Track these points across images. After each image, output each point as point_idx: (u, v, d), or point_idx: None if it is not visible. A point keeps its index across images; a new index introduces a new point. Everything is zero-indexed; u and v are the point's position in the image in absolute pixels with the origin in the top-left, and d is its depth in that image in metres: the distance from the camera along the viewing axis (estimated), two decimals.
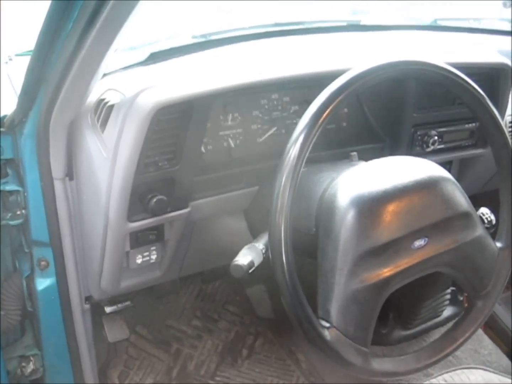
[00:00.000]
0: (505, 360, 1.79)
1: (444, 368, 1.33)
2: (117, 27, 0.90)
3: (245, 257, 1.00)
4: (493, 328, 1.92)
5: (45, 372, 1.41)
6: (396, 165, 1.04)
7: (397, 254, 0.96)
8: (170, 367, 1.81)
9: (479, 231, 1.06)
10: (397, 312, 1.54)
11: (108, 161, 1.08)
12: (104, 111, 1.12)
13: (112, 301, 1.46)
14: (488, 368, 1.29)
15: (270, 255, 0.91)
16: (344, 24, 1.73)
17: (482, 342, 1.85)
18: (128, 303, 1.46)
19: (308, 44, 1.51)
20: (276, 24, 1.60)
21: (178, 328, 1.92)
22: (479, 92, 1.05)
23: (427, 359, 1.06)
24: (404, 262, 0.96)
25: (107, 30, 0.90)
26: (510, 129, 1.66)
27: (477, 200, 1.40)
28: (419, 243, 0.98)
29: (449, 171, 1.57)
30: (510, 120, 1.64)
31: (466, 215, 1.03)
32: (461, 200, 1.03)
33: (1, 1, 1.34)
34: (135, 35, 1.38)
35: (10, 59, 1.56)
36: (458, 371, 1.28)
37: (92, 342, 1.43)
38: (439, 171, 1.04)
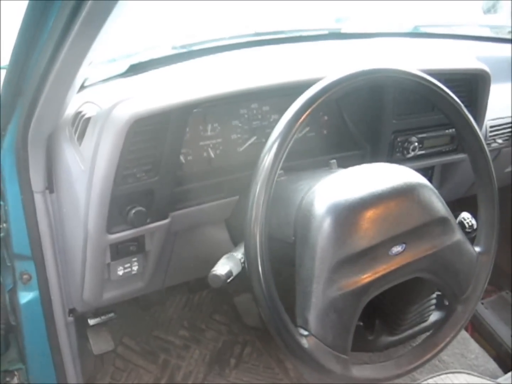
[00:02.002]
0: (492, 364, 1.80)
1: (430, 372, 1.34)
2: (91, 39, 0.90)
3: (223, 267, 1.00)
4: (480, 332, 1.92)
5: None
6: (373, 172, 1.05)
7: (375, 260, 0.96)
8: (158, 378, 1.80)
9: (457, 236, 1.06)
10: (383, 318, 1.54)
11: (86, 174, 1.08)
12: (81, 124, 1.12)
13: (95, 313, 1.46)
14: (472, 372, 1.30)
15: (246, 264, 0.91)
16: (325, 32, 1.74)
17: (469, 346, 1.85)
18: (111, 315, 1.45)
19: (288, 53, 1.52)
20: (257, 34, 1.61)
21: (165, 339, 1.91)
22: (453, 99, 1.06)
23: (407, 365, 1.06)
24: (382, 269, 0.96)
25: (81, 42, 0.90)
26: (490, 134, 1.67)
27: (460, 205, 1.41)
28: (396, 249, 0.98)
29: (431, 176, 1.61)
30: (490, 124, 1.66)
31: (443, 221, 1.04)
32: (438, 205, 1.03)
33: None
34: (114, 47, 1.38)
35: None
36: (443, 376, 1.28)
37: (77, 355, 1.43)
38: (416, 178, 1.04)
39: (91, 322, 1.44)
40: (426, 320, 1.59)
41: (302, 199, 1.04)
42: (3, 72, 1.48)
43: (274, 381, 1.80)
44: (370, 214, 0.96)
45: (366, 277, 0.95)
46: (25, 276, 1.27)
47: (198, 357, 1.87)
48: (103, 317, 1.45)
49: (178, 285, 1.58)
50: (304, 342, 0.92)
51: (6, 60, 1.50)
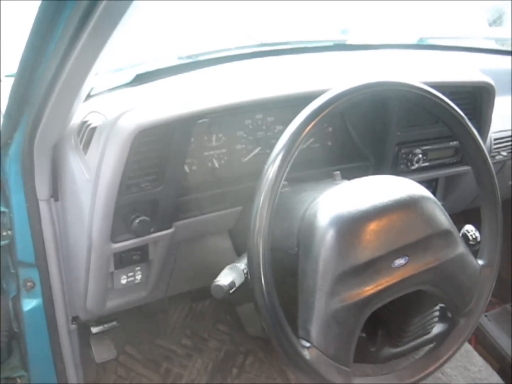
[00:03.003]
0: (495, 377, 1.79)
1: None
2: (98, 49, 0.90)
3: (226, 278, 1.01)
4: (483, 345, 1.91)
5: None
6: (376, 184, 1.05)
7: (378, 273, 0.96)
8: None
9: (460, 249, 1.06)
10: (386, 329, 1.54)
11: (91, 183, 1.09)
12: (86, 133, 1.13)
13: (98, 321, 1.46)
14: None
15: (248, 275, 0.91)
16: (331, 43, 1.75)
17: (472, 359, 1.84)
18: (114, 323, 1.45)
19: (293, 64, 1.53)
20: (262, 44, 1.62)
21: (167, 348, 1.91)
22: (457, 112, 1.06)
23: (409, 378, 1.05)
24: (384, 281, 0.96)
25: (88, 53, 0.91)
26: (495, 146, 1.67)
27: (464, 217, 1.41)
28: (399, 262, 0.98)
29: (435, 188, 1.61)
30: (495, 137, 1.66)
31: (446, 233, 1.04)
32: (442, 218, 1.03)
33: None
34: (121, 57, 1.39)
35: (0, 81, 1.57)
36: None
37: (80, 363, 1.43)
38: (419, 190, 1.04)
39: (94, 330, 1.45)
40: (429, 332, 1.58)
41: (306, 210, 1.04)
42: (10, 80, 1.50)
43: None
44: (373, 226, 0.96)
45: (369, 290, 0.95)
46: (28, 283, 1.27)
47: (200, 366, 1.86)
48: (106, 326, 1.45)
49: (181, 294, 1.58)
50: (306, 354, 0.92)
51: (12, 68, 1.52)
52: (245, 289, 1.03)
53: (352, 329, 0.95)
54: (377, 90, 1.01)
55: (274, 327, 0.90)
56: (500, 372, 1.81)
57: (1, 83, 1.53)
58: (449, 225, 1.04)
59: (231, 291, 1.00)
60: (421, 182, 1.10)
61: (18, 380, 1.40)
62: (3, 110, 1.27)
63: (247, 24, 1.73)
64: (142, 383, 1.79)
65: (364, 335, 1.49)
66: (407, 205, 1.01)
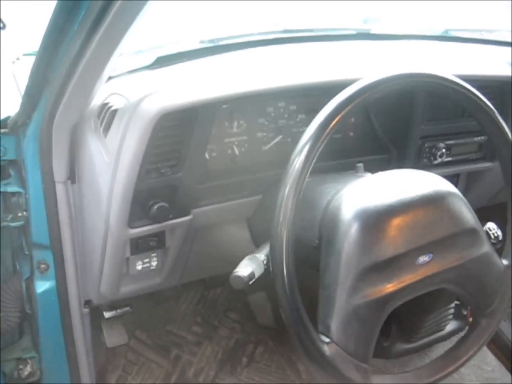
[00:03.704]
0: (508, 377, 1.77)
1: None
2: (123, 30, 0.89)
3: (246, 268, 0.99)
4: (497, 344, 1.89)
5: (42, 375, 1.40)
6: (402, 179, 1.03)
7: (401, 269, 0.94)
8: (169, 373, 1.79)
9: (485, 248, 1.04)
10: (399, 325, 1.52)
11: (110, 167, 1.07)
12: (107, 116, 1.11)
13: (111, 306, 1.45)
14: None
15: (271, 267, 0.90)
16: (354, 32, 1.71)
17: (486, 358, 1.82)
18: (127, 308, 1.44)
19: (316, 52, 1.50)
20: (285, 31, 1.59)
21: (178, 334, 1.90)
22: (488, 106, 1.04)
23: (428, 377, 1.04)
24: (408, 278, 0.94)
25: (113, 33, 0.89)
26: None
27: (484, 214, 1.39)
28: (423, 259, 0.96)
29: (457, 184, 1.58)
30: None
31: (472, 232, 1.01)
32: (468, 216, 1.01)
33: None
34: (142, 39, 1.37)
35: (18, 59, 1.55)
36: None
37: (91, 346, 1.42)
38: (446, 186, 1.02)
39: (107, 315, 1.44)
40: (442, 329, 1.56)
41: (329, 202, 1.02)
42: (28, 59, 1.48)
43: (286, 382, 1.79)
44: (398, 221, 0.94)
45: (391, 286, 0.93)
46: (42, 266, 1.26)
47: (210, 354, 1.86)
48: (118, 311, 1.44)
49: (193, 281, 1.57)
50: (325, 349, 0.90)
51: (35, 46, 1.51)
52: (259, 278, 1.02)
53: (373, 326, 0.94)
54: (409, 82, 0.98)
55: (294, 321, 0.89)
56: None
57: (15, 63, 1.51)
58: (475, 223, 1.02)
59: (250, 282, 0.98)
60: (442, 177, 1.07)
61: (29, 361, 1.40)
62: (21, 89, 1.27)
63: (271, 10, 1.70)
64: (151, 369, 1.79)
65: None
66: (434, 201, 0.98)
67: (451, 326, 1.56)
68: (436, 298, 1.41)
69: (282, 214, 0.87)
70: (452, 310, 1.51)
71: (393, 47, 1.65)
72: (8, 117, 1.17)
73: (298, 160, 0.89)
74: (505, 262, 1.08)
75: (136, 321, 1.88)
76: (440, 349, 1.11)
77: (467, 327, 1.14)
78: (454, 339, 1.13)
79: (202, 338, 1.90)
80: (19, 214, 1.24)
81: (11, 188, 1.22)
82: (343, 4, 1.90)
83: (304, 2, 1.81)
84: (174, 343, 1.88)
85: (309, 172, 0.89)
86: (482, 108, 1.03)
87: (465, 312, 1.58)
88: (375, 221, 0.93)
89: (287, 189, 0.87)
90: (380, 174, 1.05)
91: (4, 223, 1.22)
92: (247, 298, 1.99)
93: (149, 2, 0.83)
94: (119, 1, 0.80)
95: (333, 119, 0.90)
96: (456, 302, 1.49)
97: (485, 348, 1.85)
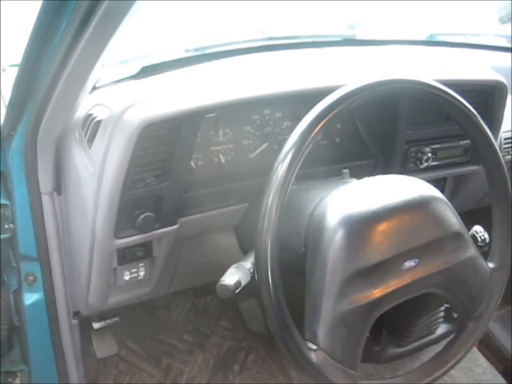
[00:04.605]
0: (499, 379, 1.77)
1: None
2: (105, 40, 0.88)
3: (232, 277, 0.99)
4: (488, 346, 1.89)
5: None
6: (387, 184, 1.03)
7: (387, 275, 0.94)
8: (161, 383, 1.78)
9: (471, 251, 1.04)
10: (390, 329, 1.53)
11: (95, 178, 1.07)
12: (91, 127, 1.11)
13: (100, 317, 1.45)
14: None
15: (256, 275, 0.89)
16: (339, 38, 1.72)
17: (477, 360, 1.82)
18: (116, 319, 1.44)
19: (302, 59, 1.50)
20: (270, 38, 1.59)
21: (169, 343, 1.89)
22: (470, 111, 1.04)
23: (417, 381, 1.04)
24: (394, 283, 0.94)
25: (95, 44, 0.89)
26: (506, 146, 1.65)
27: (471, 216, 1.39)
28: (409, 264, 0.96)
29: (443, 187, 1.59)
30: (505, 136, 1.64)
31: (457, 236, 1.02)
32: (453, 220, 1.01)
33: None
34: (127, 48, 1.37)
35: (3, 70, 1.54)
36: None
37: (80, 358, 1.41)
38: (431, 191, 1.02)
39: (96, 325, 1.43)
40: (433, 333, 1.57)
41: (314, 209, 1.02)
42: (14, 70, 1.48)
43: None
44: (383, 227, 0.94)
45: (378, 292, 0.93)
46: (30, 278, 1.26)
47: (201, 362, 1.85)
48: (107, 321, 1.44)
49: (183, 290, 1.57)
50: (313, 357, 0.90)
51: (15, 58, 1.50)
52: (248, 285, 1.02)
53: (360, 331, 0.94)
54: (390, 88, 0.98)
55: (281, 329, 0.89)
56: (504, 374, 1.80)
57: (4, 73, 1.51)
58: (460, 227, 1.02)
59: (236, 291, 0.98)
60: (429, 181, 1.08)
61: (18, 374, 1.39)
62: (6, 101, 1.26)
63: (256, 17, 1.71)
64: (142, 379, 1.78)
65: (368, 334, 1.48)
66: (418, 206, 0.99)
67: (441, 329, 1.57)
68: (425, 302, 1.42)
69: (266, 222, 0.86)
70: (442, 313, 1.52)
71: (379, 52, 1.66)
72: None
73: (281, 168, 0.89)
74: (491, 265, 1.08)
75: (126, 331, 1.87)
76: (431, 353, 1.11)
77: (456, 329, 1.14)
78: (445, 342, 1.13)
79: (194, 347, 1.89)
80: (6, 226, 1.23)
81: None
82: (328, 9, 1.91)
83: (289, 8, 1.82)
84: (165, 352, 1.87)
85: (292, 179, 0.89)
86: (464, 113, 1.04)
87: (455, 315, 1.59)
88: (360, 227, 0.93)
89: (271, 197, 0.87)
90: (365, 180, 1.05)
91: None
92: (238, 305, 1.98)
93: (131, 12, 0.83)
94: (101, 12, 0.80)
95: (316, 126, 0.90)
96: (446, 305, 1.50)
97: (475, 350, 1.86)
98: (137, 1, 0.80)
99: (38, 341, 1.33)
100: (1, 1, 1.19)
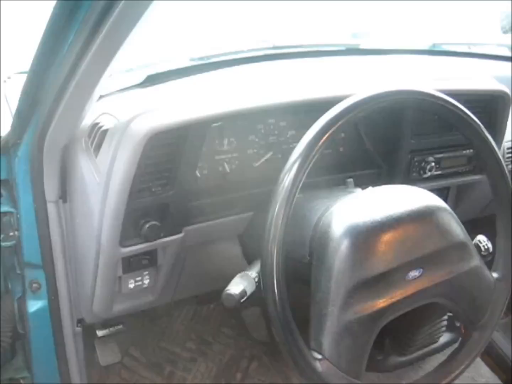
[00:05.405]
0: None
1: None
2: (114, 50, 0.89)
3: (237, 286, 0.99)
4: (491, 356, 1.89)
5: None
6: (392, 195, 1.03)
7: (391, 285, 0.94)
8: None
9: (475, 261, 1.04)
10: (393, 338, 1.52)
11: (101, 186, 1.07)
12: (98, 136, 1.11)
13: (104, 325, 1.44)
14: None
15: (261, 284, 0.90)
16: (343, 48, 1.73)
17: (480, 370, 1.82)
18: (120, 327, 1.44)
19: (306, 68, 1.51)
20: (275, 47, 1.60)
21: (171, 351, 1.89)
22: (474, 120, 1.05)
23: None
24: (398, 294, 0.95)
25: (103, 53, 0.89)
26: (509, 155, 1.65)
27: (475, 226, 1.39)
28: (413, 274, 0.96)
29: (447, 196, 1.59)
30: (508, 146, 1.64)
31: (462, 246, 1.02)
32: (457, 230, 1.02)
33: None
34: (132, 57, 1.38)
35: (9, 78, 1.55)
36: None
37: (84, 365, 1.41)
38: (435, 201, 1.03)
39: (100, 333, 1.43)
40: (436, 341, 1.57)
41: (319, 219, 1.03)
42: (20, 77, 1.48)
43: None
44: (388, 237, 0.95)
45: (382, 302, 0.94)
46: (34, 285, 1.26)
47: (204, 370, 1.85)
48: (111, 329, 1.44)
49: (187, 298, 1.57)
50: (318, 366, 0.91)
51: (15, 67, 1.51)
52: (252, 294, 1.02)
53: (365, 341, 0.94)
54: (396, 99, 0.99)
55: (286, 338, 0.89)
56: None
57: (9, 80, 1.51)
58: (464, 237, 1.03)
59: (242, 300, 0.98)
60: (432, 190, 1.09)
61: (22, 381, 1.39)
62: (11, 107, 1.27)
63: (260, 27, 1.72)
64: None
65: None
66: (423, 216, 0.99)
67: (444, 338, 1.57)
68: (428, 311, 1.41)
69: (272, 232, 0.87)
70: (445, 322, 1.52)
71: (382, 62, 1.67)
72: None
73: (287, 178, 0.89)
74: (495, 275, 1.08)
75: (129, 339, 1.87)
76: (434, 361, 1.11)
77: (460, 339, 1.14)
78: (448, 351, 1.13)
79: (196, 355, 1.89)
80: (11, 234, 1.23)
81: (3, 208, 1.22)
82: (332, 19, 1.92)
83: (293, 17, 1.83)
84: (168, 360, 1.86)
85: (298, 189, 0.90)
86: (468, 123, 1.04)
87: (458, 324, 1.59)
88: (364, 237, 0.94)
89: (277, 207, 0.88)
90: (370, 190, 1.06)
91: None
92: (241, 313, 1.98)
93: (139, 24, 0.84)
94: (110, 22, 0.81)
95: (322, 137, 0.91)
96: (449, 314, 1.50)
97: (479, 360, 1.85)
98: (146, 12, 0.81)
99: (42, 349, 1.33)
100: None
